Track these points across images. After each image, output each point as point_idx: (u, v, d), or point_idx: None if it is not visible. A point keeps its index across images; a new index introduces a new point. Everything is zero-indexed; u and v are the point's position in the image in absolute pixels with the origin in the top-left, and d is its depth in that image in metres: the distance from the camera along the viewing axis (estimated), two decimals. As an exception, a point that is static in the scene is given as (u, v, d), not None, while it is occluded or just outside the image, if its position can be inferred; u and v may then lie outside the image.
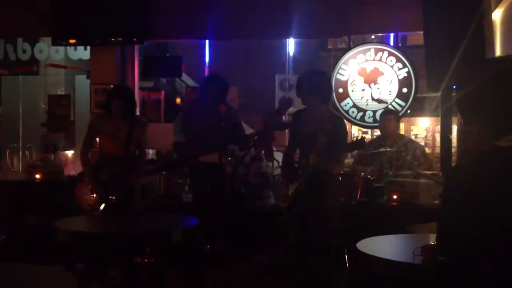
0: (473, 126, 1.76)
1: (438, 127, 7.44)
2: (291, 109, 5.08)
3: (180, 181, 5.99)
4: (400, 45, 6.51)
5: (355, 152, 5.96)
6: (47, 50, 7.62)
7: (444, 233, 1.73)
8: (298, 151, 4.52)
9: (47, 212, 5.55)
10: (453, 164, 5.65)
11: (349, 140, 5.17)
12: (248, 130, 5.53)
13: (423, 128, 9.86)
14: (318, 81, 4.27)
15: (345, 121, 6.46)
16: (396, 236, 3.08)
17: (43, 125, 7.58)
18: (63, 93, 8.32)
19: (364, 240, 2.85)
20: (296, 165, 4.48)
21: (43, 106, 7.70)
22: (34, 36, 7.55)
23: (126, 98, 4.81)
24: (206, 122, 4.84)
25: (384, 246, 2.84)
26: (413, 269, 2.32)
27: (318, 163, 4.11)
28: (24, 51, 7.72)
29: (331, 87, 4.37)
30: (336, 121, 4.24)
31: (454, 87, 3.96)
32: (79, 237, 3.38)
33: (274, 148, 5.13)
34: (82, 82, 7.05)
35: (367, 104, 6.22)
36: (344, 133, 4.30)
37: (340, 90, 6.28)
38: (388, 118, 5.49)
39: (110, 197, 4.63)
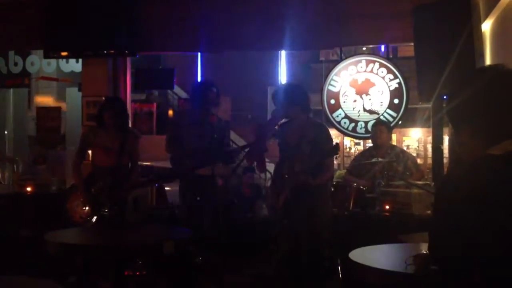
0: (464, 135, 1.76)
1: (430, 138, 7.47)
2: (283, 121, 5.09)
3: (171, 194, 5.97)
4: (391, 56, 6.56)
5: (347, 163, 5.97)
6: (38, 63, 7.62)
7: (434, 243, 1.73)
8: None
9: (39, 225, 5.51)
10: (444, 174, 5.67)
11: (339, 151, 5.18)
12: (240, 142, 5.53)
13: (414, 139, 9.92)
14: (295, 91, 4.37)
15: (337, 132, 6.52)
16: (388, 246, 3.08)
17: (30, 138, 7.54)
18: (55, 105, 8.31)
19: (356, 250, 2.84)
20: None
21: (32, 119, 7.68)
22: (26, 49, 7.54)
23: (118, 110, 4.80)
24: (198, 134, 4.83)
25: (376, 256, 2.84)
26: (405, 278, 2.32)
27: (304, 174, 4.13)
28: (15, 64, 7.72)
29: (309, 97, 4.44)
30: (320, 129, 4.29)
31: (445, 97, 3.98)
32: (69, 249, 3.35)
33: (266, 160, 5.13)
34: (73, 95, 7.04)
35: (359, 115, 6.25)
36: (327, 139, 4.31)
37: (332, 101, 6.31)
38: (380, 129, 5.51)
39: (102, 209, 4.60)
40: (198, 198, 4.80)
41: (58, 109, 7.37)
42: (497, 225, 1.55)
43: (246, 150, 4.68)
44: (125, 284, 3.84)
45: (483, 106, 1.71)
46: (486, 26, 4.53)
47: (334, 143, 4.38)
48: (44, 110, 7.43)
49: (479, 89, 1.72)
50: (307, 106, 4.42)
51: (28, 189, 6.09)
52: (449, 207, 1.65)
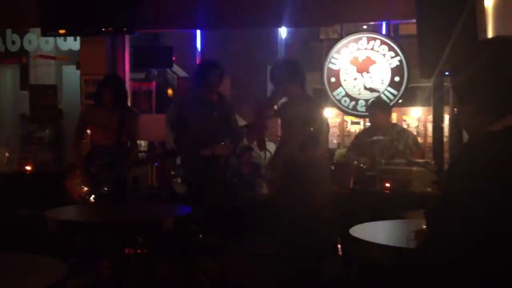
0: (468, 111, 1.72)
1: (430, 117, 7.43)
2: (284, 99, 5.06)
3: (172, 172, 5.97)
4: (392, 34, 6.49)
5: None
6: (36, 41, 7.54)
7: (432, 224, 1.71)
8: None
9: (38, 204, 5.51)
10: (445, 154, 5.66)
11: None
12: (241, 121, 5.50)
13: (415, 118, 9.88)
14: (290, 69, 4.36)
15: (338, 110, 6.49)
16: (389, 222, 3.07)
17: (24, 116, 7.44)
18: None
19: (356, 226, 2.84)
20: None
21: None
22: (23, 27, 7.47)
23: (117, 87, 4.77)
24: (200, 114, 4.80)
25: (377, 232, 2.83)
26: (407, 253, 2.31)
27: (292, 148, 4.16)
28: (13, 43, 7.65)
29: (304, 74, 4.44)
30: (310, 103, 4.29)
31: (447, 73, 3.95)
32: (68, 226, 3.34)
33: (266, 138, 5.11)
34: (70, 73, 6.98)
35: (359, 93, 6.20)
36: (318, 114, 4.33)
37: (332, 80, 6.26)
38: (373, 112, 5.43)
39: (102, 188, 4.59)
40: (202, 178, 4.79)
41: (54, 87, 7.28)
42: (495, 205, 1.51)
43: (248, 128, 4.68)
44: (125, 262, 3.84)
45: (488, 81, 1.67)
46: (489, 2, 4.48)
47: (325, 119, 4.41)
48: (39, 88, 7.32)
49: (484, 63, 1.68)
50: (301, 82, 4.42)
51: (27, 168, 6.07)
52: (451, 187, 1.63)
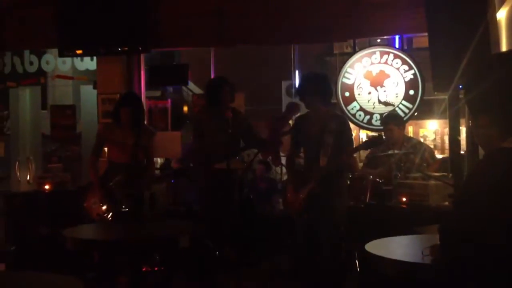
0: (481, 125, 1.73)
1: (447, 129, 7.39)
2: (299, 114, 5.08)
3: (189, 189, 5.98)
4: (406, 47, 6.49)
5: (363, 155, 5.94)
6: (54, 62, 7.67)
7: (446, 233, 1.71)
8: (302, 154, 4.52)
9: (57, 223, 5.57)
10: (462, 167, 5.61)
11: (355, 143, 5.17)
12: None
13: (431, 131, 9.83)
14: (319, 83, 4.30)
15: (352, 124, 6.48)
16: (404, 237, 3.06)
17: (45, 136, 7.57)
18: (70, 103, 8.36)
19: (373, 241, 2.83)
20: (302, 169, 4.48)
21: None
22: (41, 48, 7.60)
23: (134, 105, 4.82)
24: (214, 130, 4.85)
25: (393, 247, 2.82)
26: (422, 269, 2.30)
27: (329, 163, 4.11)
28: (31, 63, 7.78)
29: (332, 89, 4.41)
30: (340, 120, 4.27)
31: (460, 86, 3.94)
32: (86, 244, 3.37)
33: (281, 154, 5.12)
34: (88, 93, 7.08)
35: (374, 107, 6.20)
36: (349, 130, 4.32)
37: (347, 94, 6.27)
38: (389, 128, 5.41)
39: (119, 205, 4.62)
40: (218, 194, 4.81)
41: (73, 107, 7.41)
42: (509, 221, 1.52)
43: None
44: (142, 279, 3.86)
45: (500, 95, 1.68)
46: (502, 14, 4.47)
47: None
48: (58, 108, 7.47)
49: (497, 78, 1.69)
50: (329, 97, 4.39)
51: (46, 187, 6.15)
52: (464, 198, 1.64)
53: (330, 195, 4.12)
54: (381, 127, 6.16)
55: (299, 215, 4.26)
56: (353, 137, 4.41)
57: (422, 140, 8.59)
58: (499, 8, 4.36)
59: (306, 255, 4.23)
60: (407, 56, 6.09)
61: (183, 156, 6.51)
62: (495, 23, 4.17)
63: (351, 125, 6.74)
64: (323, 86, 4.31)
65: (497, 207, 1.53)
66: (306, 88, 4.30)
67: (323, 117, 4.23)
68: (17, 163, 6.92)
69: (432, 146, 8.36)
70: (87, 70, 7.47)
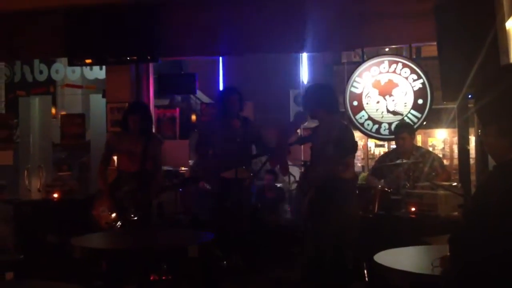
0: (490, 134, 1.72)
1: (456, 139, 7.37)
2: (306, 124, 5.08)
3: (196, 197, 5.99)
4: (414, 56, 6.48)
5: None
6: (63, 71, 7.72)
7: (456, 244, 1.70)
8: None
9: (65, 231, 5.58)
10: (471, 176, 5.59)
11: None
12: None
13: (440, 140, 9.80)
14: (322, 94, 4.33)
15: (361, 133, 6.48)
16: (413, 248, 3.04)
17: (55, 145, 7.61)
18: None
19: (381, 252, 2.81)
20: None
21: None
22: (50, 57, 7.66)
23: (143, 114, 4.84)
24: (222, 139, 4.87)
25: (401, 258, 2.80)
26: (432, 280, 2.28)
27: (323, 169, 4.12)
28: (41, 72, 7.85)
29: (337, 98, 4.42)
30: (341, 127, 4.28)
31: (470, 96, 3.93)
32: (94, 253, 3.38)
33: (289, 163, 5.12)
34: (97, 101, 7.12)
35: (382, 117, 6.19)
36: (348, 138, 4.29)
37: (355, 103, 6.26)
38: (403, 137, 5.38)
39: (127, 214, 4.63)
40: (227, 203, 4.82)
41: (82, 116, 7.45)
42: None
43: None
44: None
45: (510, 105, 1.67)
46: (510, 23, 4.46)
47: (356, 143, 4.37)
48: (68, 117, 7.52)
49: (505, 88, 1.69)
50: (333, 107, 4.39)
51: (55, 195, 6.17)
52: (473, 210, 1.63)
53: (332, 200, 4.11)
54: (390, 136, 6.15)
55: (306, 223, 4.27)
56: (353, 145, 4.37)
57: (430, 149, 8.56)
58: (508, 17, 4.34)
59: (313, 264, 4.21)
60: (415, 65, 6.08)
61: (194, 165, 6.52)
62: (504, 32, 4.16)
63: (360, 134, 6.75)
64: (327, 97, 4.33)
65: (508, 218, 1.52)
66: (310, 101, 4.33)
67: (327, 128, 4.26)
68: (26, 171, 6.96)
69: (440, 155, 8.33)
70: (96, 79, 7.52)
